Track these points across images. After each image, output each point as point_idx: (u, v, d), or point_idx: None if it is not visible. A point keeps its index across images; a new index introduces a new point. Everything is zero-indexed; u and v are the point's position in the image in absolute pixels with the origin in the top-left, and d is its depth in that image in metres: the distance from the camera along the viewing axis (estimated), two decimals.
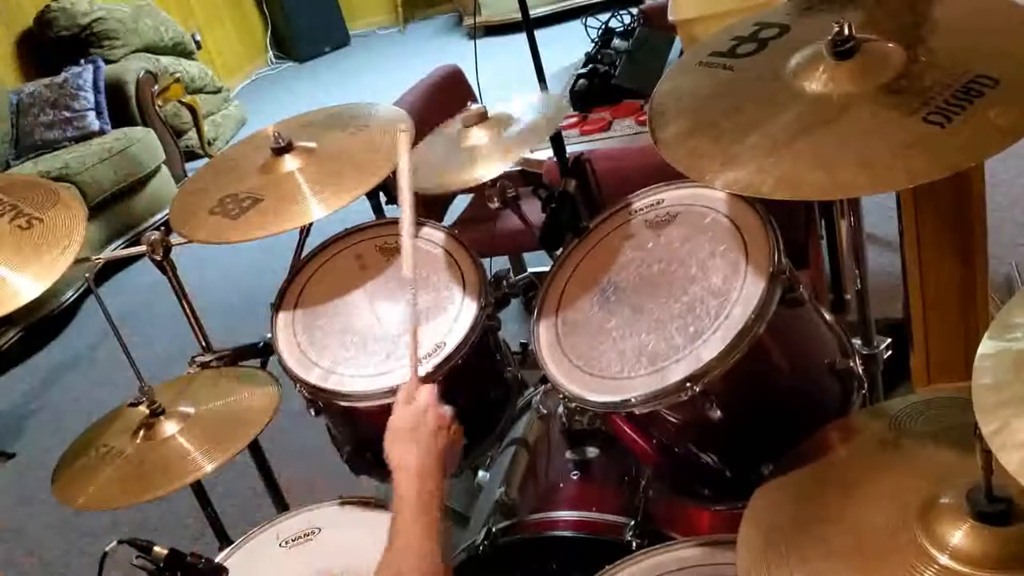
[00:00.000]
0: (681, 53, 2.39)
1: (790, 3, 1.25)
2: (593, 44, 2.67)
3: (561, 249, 1.35)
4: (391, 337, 1.36)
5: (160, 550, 1.10)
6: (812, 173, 0.96)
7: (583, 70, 2.47)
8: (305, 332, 1.41)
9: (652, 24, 2.65)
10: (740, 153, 1.02)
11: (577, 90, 2.45)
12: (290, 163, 1.48)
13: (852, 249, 1.40)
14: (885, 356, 1.39)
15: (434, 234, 1.48)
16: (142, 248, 1.55)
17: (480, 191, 1.40)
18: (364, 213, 1.64)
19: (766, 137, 1.02)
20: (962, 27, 1.07)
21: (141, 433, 1.40)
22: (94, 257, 1.75)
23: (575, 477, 1.47)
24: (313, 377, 1.34)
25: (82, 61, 4.75)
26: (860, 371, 1.22)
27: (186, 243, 1.49)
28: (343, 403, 1.34)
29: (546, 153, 2.07)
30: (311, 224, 1.47)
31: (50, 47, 5.23)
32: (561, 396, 1.17)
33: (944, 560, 0.81)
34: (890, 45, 1.05)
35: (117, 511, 2.31)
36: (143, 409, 1.40)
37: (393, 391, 1.28)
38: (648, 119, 1.15)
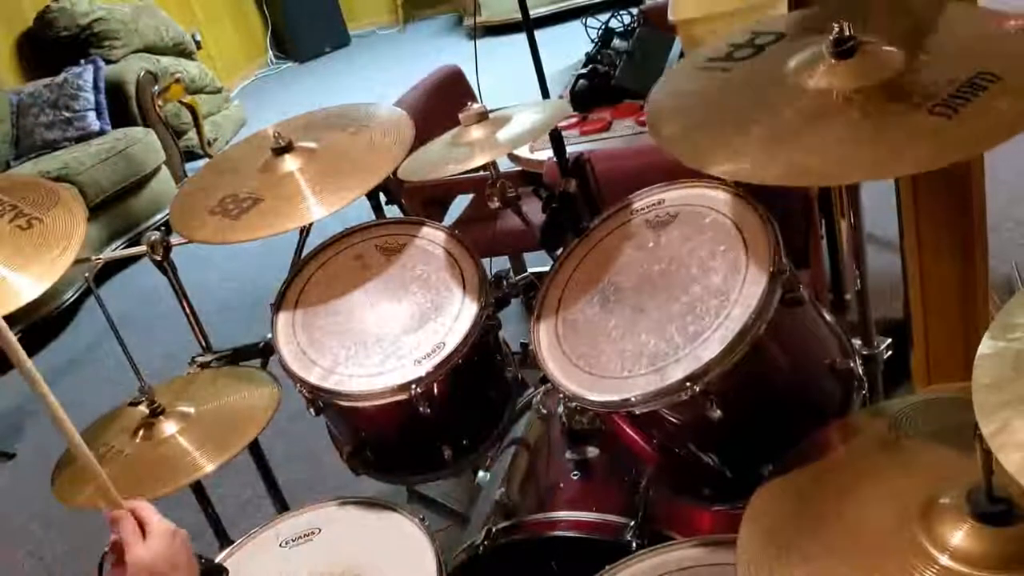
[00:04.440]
0: (681, 54, 2.39)
1: (788, 19, 1.25)
2: (593, 44, 2.66)
3: (561, 249, 1.35)
4: (391, 337, 1.36)
5: None
6: (814, 160, 0.96)
7: (583, 70, 2.47)
8: (305, 332, 1.41)
9: (652, 24, 2.64)
10: (742, 145, 1.02)
11: (577, 90, 2.44)
12: (290, 163, 1.48)
13: (852, 249, 1.40)
14: (885, 356, 1.39)
15: (434, 234, 1.48)
16: (142, 248, 1.55)
17: (480, 191, 1.40)
18: (364, 213, 1.64)
19: (768, 129, 1.02)
20: (962, 34, 1.07)
21: (141, 433, 1.39)
22: (94, 257, 1.75)
23: (575, 477, 1.47)
24: (313, 376, 1.34)
25: (82, 61, 4.75)
26: (860, 371, 1.22)
27: (186, 243, 1.49)
28: (343, 403, 1.34)
29: (546, 153, 2.07)
30: (311, 224, 1.47)
31: (50, 47, 5.23)
32: (561, 396, 1.17)
33: (944, 560, 0.81)
34: (890, 47, 1.05)
35: None
36: (143, 409, 1.40)
37: (394, 390, 1.28)
38: (648, 120, 1.15)
